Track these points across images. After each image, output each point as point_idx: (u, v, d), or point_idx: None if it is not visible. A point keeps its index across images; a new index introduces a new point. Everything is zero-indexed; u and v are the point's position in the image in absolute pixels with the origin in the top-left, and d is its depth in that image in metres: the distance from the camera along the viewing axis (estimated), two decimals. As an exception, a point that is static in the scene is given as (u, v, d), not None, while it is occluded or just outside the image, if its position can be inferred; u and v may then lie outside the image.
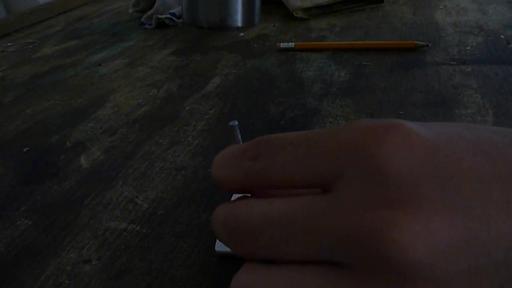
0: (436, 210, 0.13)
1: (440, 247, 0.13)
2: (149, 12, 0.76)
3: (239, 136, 0.22)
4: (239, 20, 0.21)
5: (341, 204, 0.15)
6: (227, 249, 0.26)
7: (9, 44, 0.77)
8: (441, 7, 0.70)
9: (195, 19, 0.21)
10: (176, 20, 0.75)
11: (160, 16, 0.74)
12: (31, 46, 0.74)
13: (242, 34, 0.67)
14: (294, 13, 0.71)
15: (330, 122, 0.39)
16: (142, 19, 0.77)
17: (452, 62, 0.49)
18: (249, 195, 0.19)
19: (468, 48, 0.52)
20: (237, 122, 0.22)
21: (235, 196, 0.28)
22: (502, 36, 0.54)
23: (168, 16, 0.74)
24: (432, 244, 0.13)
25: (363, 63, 0.51)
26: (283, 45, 0.58)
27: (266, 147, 0.17)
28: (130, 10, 0.82)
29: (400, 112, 0.40)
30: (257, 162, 0.17)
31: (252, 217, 0.16)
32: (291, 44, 0.57)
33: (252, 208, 0.17)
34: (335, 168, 0.15)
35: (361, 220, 0.14)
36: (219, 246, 0.26)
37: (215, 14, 0.20)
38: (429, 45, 0.53)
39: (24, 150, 0.41)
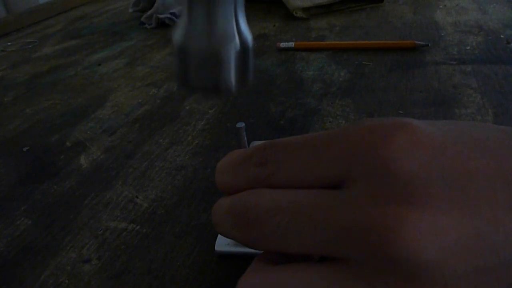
0: (444, 209, 0.13)
1: (448, 246, 0.13)
2: (149, 12, 0.76)
3: (245, 138, 0.22)
4: (233, 84, 0.20)
5: (350, 200, 0.15)
6: (227, 249, 0.26)
7: (9, 43, 0.77)
8: (441, 6, 0.70)
9: (186, 82, 0.20)
10: (176, 19, 0.75)
11: (160, 16, 0.74)
12: (31, 46, 0.74)
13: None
14: (294, 13, 0.71)
15: (330, 121, 0.39)
16: (142, 19, 0.77)
17: (452, 62, 0.49)
18: None
19: (468, 47, 0.52)
20: (244, 124, 0.22)
21: None
22: (502, 36, 0.54)
23: (168, 15, 0.74)
24: (441, 243, 0.13)
25: (363, 62, 0.51)
26: (283, 44, 0.58)
27: (272, 153, 0.17)
28: (130, 10, 0.82)
29: (400, 112, 0.40)
30: (264, 168, 0.17)
31: (260, 203, 0.16)
32: (291, 44, 0.57)
33: (260, 195, 0.17)
34: (343, 169, 0.15)
35: (370, 216, 0.14)
36: (219, 246, 0.26)
37: (208, 78, 0.19)
38: (429, 44, 0.53)
39: (24, 149, 0.41)
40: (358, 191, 0.15)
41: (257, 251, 0.18)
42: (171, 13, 0.75)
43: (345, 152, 0.15)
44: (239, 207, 0.17)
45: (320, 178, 0.16)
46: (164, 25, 0.76)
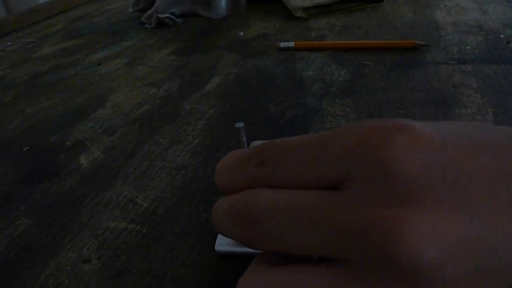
0: (444, 211, 0.13)
1: (448, 247, 0.13)
2: (149, 12, 0.76)
3: (244, 138, 0.22)
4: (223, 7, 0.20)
5: (350, 201, 0.15)
6: (227, 249, 0.26)
7: (9, 43, 0.77)
8: (441, 6, 0.70)
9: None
10: (176, 19, 0.75)
11: (160, 16, 0.74)
12: (31, 46, 0.74)
13: (242, 33, 0.67)
14: (294, 13, 0.71)
15: (330, 121, 0.39)
16: (142, 19, 0.77)
17: (452, 62, 0.49)
18: None
19: (468, 47, 0.52)
20: (243, 124, 0.22)
21: None
22: (502, 36, 0.54)
23: (168, 15, 0.74)
24: (440, 245, 0.13)
25: (363, 62, 0.51)
26: (283, 44, 0.58)
27: (271, 153, 0.17)
28: (130, 9, 0.82)
29: (400, 112, 0.40)
30: (264, 168, 0.17)
31: (259, 203, 0.16)
32: (291, 44, 0.57)
33: (259, 195, 0.17)
34: (343, 170, 0.15)
35: (370, 217, 0.14)
36: (219, 246, 0.26)
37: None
38: (429, 44, 0.53)
39: (24, 149, 0.41)
40: (357, 192, 0.15)
41: (257, 251, 0.18)
42: (171, 13, 0.75)
43: (344, 153, 0.15)
44: (238, 207, 0.17)
45: (319, 179, 0.16)
46: (164, 25, 0.75)
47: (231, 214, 0.17)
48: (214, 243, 0.26)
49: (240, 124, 0.22)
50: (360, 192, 0.14)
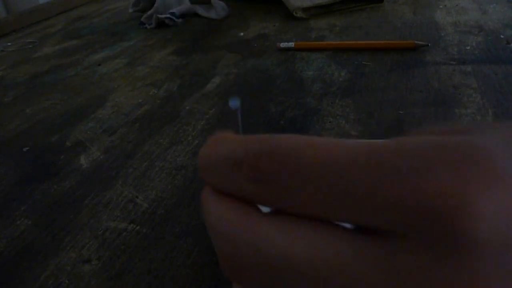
0: None
1: None
2: (149, 12, 0.76)
3: (240, 120, 0.18)
4: None
5: (405, 266, 0.11)
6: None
7: (9, 43, 0.77)
8: (441, 6, 0.70)
9: None
10: (176, 19, 0.75)
11: (160, 16, 0.74)
12: (31, 46, 0.74)
13: (242, 33, 0.67)
14: (294, 13, 0.71)
15: (330, 122, 0.39)
16: (142, 19, 0.77)
17: (452, 62, 0.49)
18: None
19: (468, 47, 0.52)
20: (238, 103, 0.17)
21: None
22: (502, 36, 0.54)
23: (168, 15, 0.74)
24: None
25: (363, 62, 0.51)
26: (283, 44, 0.58)
27: (270, 167, 0.12)
28: (130, 10, 0.82)
29: (400, 112, 0.40)
30: (262, 188, 0.13)
31: (258, 250, 0.12)
32: (291, 44, 0.57)
33: (256, 244, 0.12)
34: (393, 226, 0.11)
35: None
36: (219, 246, 0.26)
37: None
38: (429, 44, 0.53)
39: (24, 149, 0.41)
40: (417, 257, 0.11)
41: None
42: (171, 13, 0.75)
43: (400, 207, 0.11)
44: (223, 240, 0.13)
45: (350, 219, 0.12)
46: (164, 25, 0.76)
47: (213, 239, 0.14)
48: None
49: (235, 103, 0.16)
50: (421, 257, 0.11)
